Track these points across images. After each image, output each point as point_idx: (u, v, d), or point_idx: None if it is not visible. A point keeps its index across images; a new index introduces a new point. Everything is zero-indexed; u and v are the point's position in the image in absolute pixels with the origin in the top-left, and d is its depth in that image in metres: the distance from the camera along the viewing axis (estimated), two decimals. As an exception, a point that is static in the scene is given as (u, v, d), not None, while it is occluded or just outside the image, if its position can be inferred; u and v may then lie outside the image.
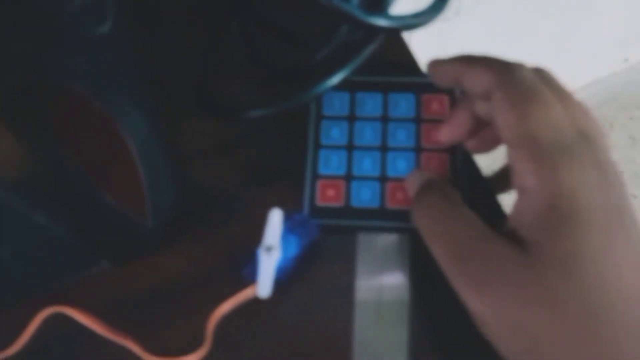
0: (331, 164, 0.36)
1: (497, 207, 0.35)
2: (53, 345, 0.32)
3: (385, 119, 0.36)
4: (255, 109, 0.33)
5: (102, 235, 0.33)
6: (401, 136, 0.36)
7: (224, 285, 0.32)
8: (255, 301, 0.32)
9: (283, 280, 0.32)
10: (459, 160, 0.35)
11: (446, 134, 0.34)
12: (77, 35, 0.26)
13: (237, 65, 0.35)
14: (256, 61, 0.35)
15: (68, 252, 0.32)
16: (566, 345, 0.24)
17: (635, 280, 0.25)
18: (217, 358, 0.32)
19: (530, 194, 0.27)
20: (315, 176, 0.35)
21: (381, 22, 0.31)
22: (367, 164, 0.36)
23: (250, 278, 0.32)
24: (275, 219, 0.31)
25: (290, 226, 0.32)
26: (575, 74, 1.15)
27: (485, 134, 0.34)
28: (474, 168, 0.36)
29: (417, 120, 0.36)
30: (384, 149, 0.36)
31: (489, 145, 0.34)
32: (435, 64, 0.32)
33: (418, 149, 0.36)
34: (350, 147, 0.36)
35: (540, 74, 0.29)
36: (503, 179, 0.35)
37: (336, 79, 0.33)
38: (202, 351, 0.31)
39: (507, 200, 0.31)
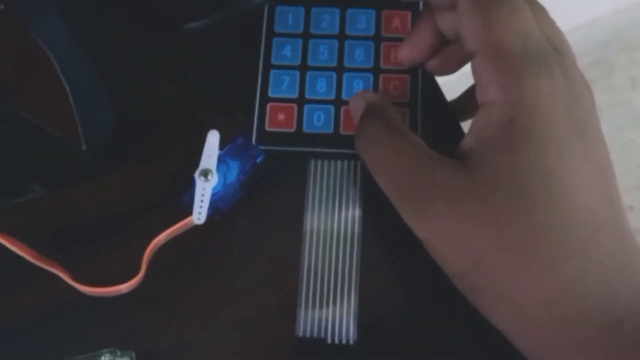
0: (282, 85, 0.33)
1: (459, 132, 0.32)
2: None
3: (342, 37, 0.34)
4: (191, 18, 0.30)
5: (31, 158, 0.31)
6: (359, 56, 0.33)
7: (165, 213, 0.30)
8: (197, 231, 0.30)
9: (225, 208, 0.30)
10: (420, 82, 0.33)
11: (406, 53, 0.32)
12: None
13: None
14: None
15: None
16: (508, 262, 0.23)
17: (589, 201, 0.23)
18: (153, 289, 0.30)
19: (492, 107, 0.25)
20: (265, 99, 0.33)
21: None
22: (321, 86, 0.33)
23: (190, 205, 0.30)
24: (212, 141, 0.28)
25: (231, 150, 0.30)
26: (573, 11, 1.10)
27: (447, 52, 0.31)
28: (435, 91, 0.33)
29: (377, 38, 0.34)
30: (340, 69, 0.33)
31: (451, 66, 0.32)
32: None
33: (376, 70, 0.33)
34: (303, 68, 0.33)
35: None
36: (467, 103, 0.33)
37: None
38: (136, 280, 0.29)
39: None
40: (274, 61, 0.33)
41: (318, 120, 0.32)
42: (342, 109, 0.32)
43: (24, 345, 0.30)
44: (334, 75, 0.33)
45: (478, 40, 0.26)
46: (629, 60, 1.34)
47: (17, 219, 0.32)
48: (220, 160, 0.29)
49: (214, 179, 0.28)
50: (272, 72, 0.33)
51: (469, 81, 0.29)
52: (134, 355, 0.29)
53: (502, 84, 0.25)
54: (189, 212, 0.29)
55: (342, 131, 0.32)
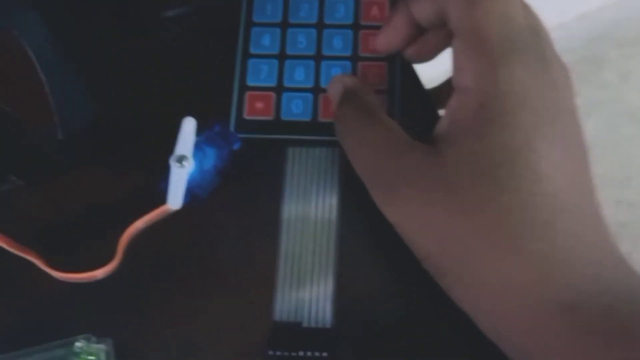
0: (261, 74, 0.33)
1: (437, 118, 0.32)
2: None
3: (320, 26, 0.34)
4: (173, 6, 0.30)
5: (7, 148, 0.31)
6: (337, 44, 0.33)
7: (142, 202, 0.30)
8: (174, 218, 0.30)
9: (202, 195, 0.30)
10: (398, 70, 0.33)
11: (383, 41, 0.32)
12: None
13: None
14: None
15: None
16: (472, 245, 0.24)
17: (554, 184, 0.23)
18: (130, 275, 0.30)
19: (466, 92, 0.25)
20: (243, 87, 0.33)
21: None
22: (299, 74, 0.33)
23: (167, 192, 0.30)
24: (187, 127, 0.28)
25: (208, 137, 0.30)
26: (562, 6, 1.10)
27: (424, 40, 0.31)
28: (413, 78, 0.33)
29: (355, 26, 0.34)
30: (318, 57, 0.33)
31: (428, 53, 0.32)
32: None
33: (355, 58, 0.33)
34: (282, 56, 0.33)
35: None
36: (446, 91, 0.33)
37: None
38: (111, 266, 0.29)
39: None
40: (252, 50, 0.33)
41: (296, 108, 0.32)
42: (321, 96, 0.32)
43: (-2, 334, 0.30)
44: (313, 63, 0.33)
45: (458, 22, 0.26)
46: (620, 55, 1.34)
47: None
48: (197, 146, 0.29)
49: (189, 165, 0.28)
50: (251, 61, 0.33)
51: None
52: (110, 342, 0.29)
53: (477, 69, 0.25)
54: (165, 199, 0.29)
55: (320, 118, 0.32)
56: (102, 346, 0.28)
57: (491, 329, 0.25)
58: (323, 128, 0.32)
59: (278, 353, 0.28)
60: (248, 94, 0.33)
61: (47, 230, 0.32)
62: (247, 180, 0.32)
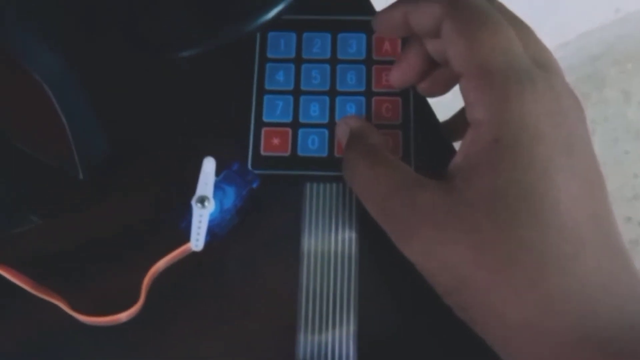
0: (276, 110, 0.33)
1: (452, 152, 0.33)
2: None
3: (334, 61, 0.34)
4: (184, 47, 0.30)
5: (28, 190, 0.32)
6: (351, 79, 0.34)
7: (162, 240, 0.30)
8: (194, 256, 0.30)
9: (222, 233, 0.30)
10: (412, 104, 0.33)
11: (397, 76, 0.32)
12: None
13: (168, 1, 0.33)
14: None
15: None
16: (491, 281, 0.24)
17: (573, 217, 0.23)
18: (152, 316, 0.30)
19: (479, 126, 0.25)
20: (260, 124, 0.33)
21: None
22: (314, 110, 0.33)
23: (187, 232, 0.30)
24: (208, 168, 0.29)
25: (227, 176, 0.30)
26: (564, 26, 1.11)
27: (437, 75, 0.31)
28: (427, 112, 0.34)
29: (368, 61, 0.34)
30: (332, 93, 0.34)
31: (441, 88, 0.32)
32: (379, 14, 0.31)
33: (369, 93, 0.34)
34: (297, 92, 0.34)
35: (491, 1, 0.27)
36: (459, 123, 0.33)
37: (272, 12, 0.30)
38: (135, 308, 0.29)
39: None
40: (267, 86, 0.34)
41: (312, 144, 0.33)
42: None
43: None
44: (327, 99, 0.33)
45: (463, 62, 0.26)
46: (620, 72, 1.35)
47: (14, 248, 0.32)
48: (217, 186, 0.29)
49: (210, 206, 0.29)
50: (266, 97, 0.34)
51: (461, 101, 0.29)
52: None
53: (487, 103, 0.25)
54: (185, 238, 0.30)
55: (336, 154, 0.33)
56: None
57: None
58: (339, 163, 0.32)
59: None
60: (264, 130, 0.33)
61: (66, 268, 0.32)
62: (264, 215, 0.32)
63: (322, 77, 0.34)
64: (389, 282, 0.31)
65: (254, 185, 0.30)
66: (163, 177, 0.33)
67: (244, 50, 0.34)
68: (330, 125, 0.33)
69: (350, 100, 0.33)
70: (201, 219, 0.29)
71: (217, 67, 0.35)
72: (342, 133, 0.31)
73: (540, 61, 0.26)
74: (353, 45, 0.34)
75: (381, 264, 0.31)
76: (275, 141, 0.33)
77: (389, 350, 0.29)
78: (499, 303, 0.24)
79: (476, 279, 0.24)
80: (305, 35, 0.34)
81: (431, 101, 0.34)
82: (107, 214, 0.33)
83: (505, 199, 0.24)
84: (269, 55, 0.34)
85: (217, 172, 0.30)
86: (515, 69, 0.25)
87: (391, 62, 0.33)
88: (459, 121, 0.33)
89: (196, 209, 0.29)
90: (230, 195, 0.30)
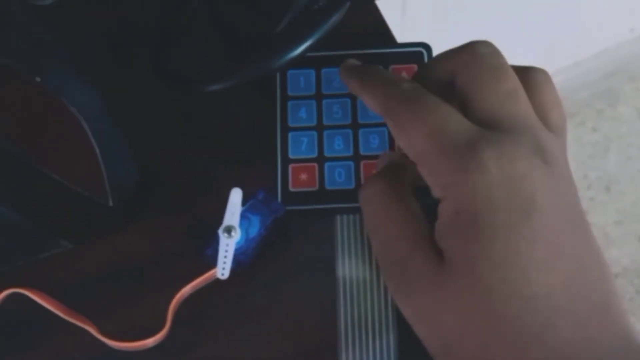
0: (302, 146, 0.34)
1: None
2: (11, 327, 0.32)
3: (354, 95, 0.35)
4: (212, 81, 0.31)
5: (60, 217, 0.33)
6: (372, 112, 0.34)
7: (187, 267, 0.31)
8: (218, 283, 0.31)
9: (246, 261, 0.31)
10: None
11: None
12: (8, 8, 0.25)
13: (197, 36, 0.34)
14: (217, 31, 0.33)
15: (26, 235, 0.32)
16: (474, 350, 0.24)
17: (543, 285, 0.23)
18: (178, 342, 0.31)
19: (442, 201, 0.25)
20: (286, 160, 0.34)
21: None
22: (339, 144, 0.34)
23: (213, 259, 0.31)
24: (235, 199, 0.30)
25: (252, 205, 0.31)
26: (580, 45, 1.11)
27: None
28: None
29: (389, 93, 0.35)
30: (355, 126, 0.34)
31: None
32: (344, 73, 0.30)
33: (391, 125, 0.34)
34: (320, 128, 0.35)
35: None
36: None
37: (299, 49, 0.31)
38: (162, 334, 0.30)
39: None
40: (290, 123, 0.35)
41: (339, 177, 0.34)
42: (362, 163, 0.34)
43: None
44: (350, 132, 0.34)
45: (409, 153, 0.26)
46: (635, 89, 1.35)
47: (43, 272, 0.33)
48: (242, 215, 0.30)
49: (237, 235, 0.30)
50: (291, 134, 0.34)
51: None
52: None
53: (437, 183, 0.25)
54: (211, 264, 0.30)
55: (363, 184, 0.33)
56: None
57: None
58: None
59: None
60: (291, 166, 0.34)
61: (93, 293, 0.33)
62: (289, 243, 0.33)
63: (343, 111, 0.35)
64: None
65: (279, 214, 0.31)
66: (188, 205, 0.34)
67: (265, 87, 0.35)
68: (356, 158, 0.34)
69: (373, 132, 0.34)
70: (227, 248, 0.30)
71: (241, 98, 0.36)
72: (381, 161, 0.31)
73: (489, 124, 0.25)
74: (373, 77, 0.35)
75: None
76: (303, 177, 0.34)
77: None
78: None
79: (460, 348, 0.24)
80: (324, 71, 0.35)
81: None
82: (135, 240, 0.34)
83: (478, 273, 0.23)
84: (290, 93, 0.35)
85: (243, 202, 0.31)
86: (452, 146, 0.24)
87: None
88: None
89: (223, 238, 0.30)
90: (256, 224, 0.31)
